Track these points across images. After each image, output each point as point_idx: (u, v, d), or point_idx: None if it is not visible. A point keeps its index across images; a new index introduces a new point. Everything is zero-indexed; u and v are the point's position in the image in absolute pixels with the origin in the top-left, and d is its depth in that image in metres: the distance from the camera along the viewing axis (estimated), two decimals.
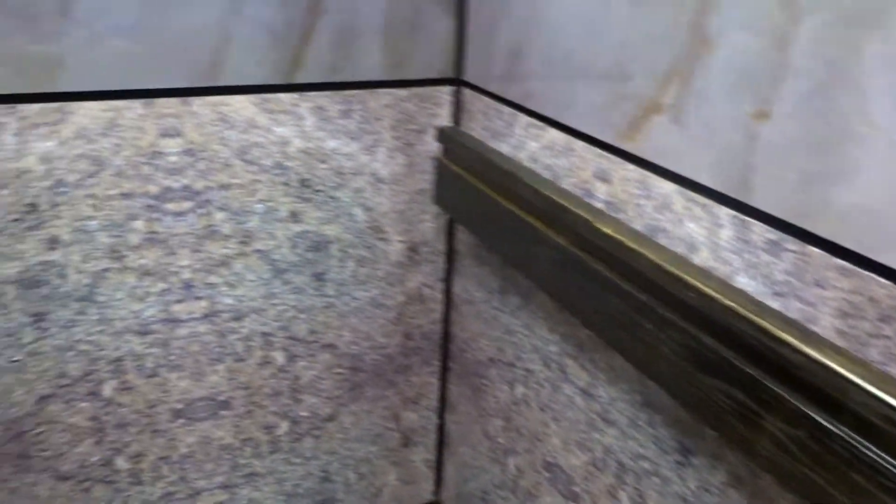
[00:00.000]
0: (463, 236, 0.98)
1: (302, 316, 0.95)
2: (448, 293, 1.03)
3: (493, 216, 0.81)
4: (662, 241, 0.62)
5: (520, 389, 0.90)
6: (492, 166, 0.81)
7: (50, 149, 0.77)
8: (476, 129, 0.89)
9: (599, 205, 0.69)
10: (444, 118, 0.93)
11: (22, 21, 0.71)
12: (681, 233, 0.60)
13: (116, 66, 0.76)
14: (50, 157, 0.77)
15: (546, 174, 0.77)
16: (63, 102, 0.76)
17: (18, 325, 0.81)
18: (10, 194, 0.77)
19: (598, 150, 0.69)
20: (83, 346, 0.85)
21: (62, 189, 0.78)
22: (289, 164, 0.87)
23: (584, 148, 0.71)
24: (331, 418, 1.02)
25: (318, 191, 0.90)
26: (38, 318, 0.82)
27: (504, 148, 0.84)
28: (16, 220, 0.78)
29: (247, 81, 0.82)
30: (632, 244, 0.62)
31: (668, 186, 0.61)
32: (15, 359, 0.82)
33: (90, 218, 0.80)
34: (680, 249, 0.60)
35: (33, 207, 0.78)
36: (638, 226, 0.65)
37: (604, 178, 0.68)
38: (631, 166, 0.65)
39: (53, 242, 0.80)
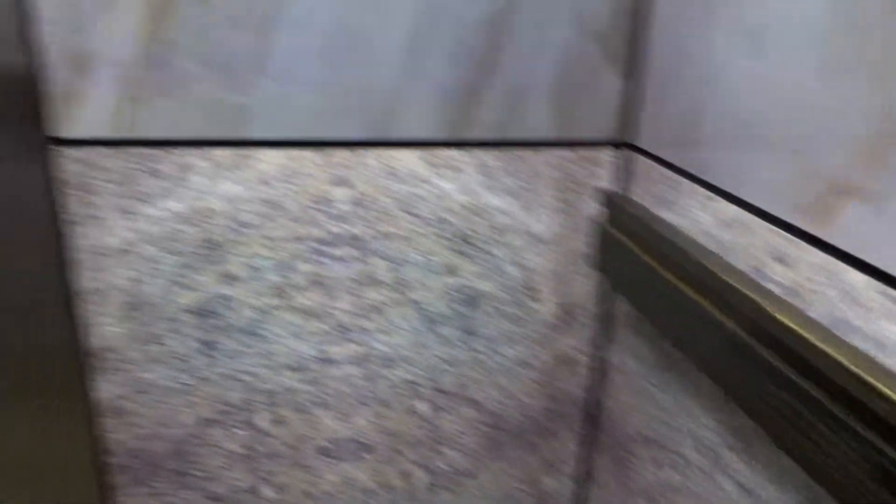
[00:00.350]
0: (621, 304, 0.94)
1: (450, 369, 0.95)
2: (599, 360, 1.00)
3: (655, 287, 0.77)
4: (848, 336, 0.56)
5: (669, 473, 0.84)
6: (656, 236, 0.78)
7: (234, 191, 0.83)
8: (641, 195, 0.86)
9: (775, 288, 0.64)
10: (607, 181, 0.91)
11: (222, 74, 0.78)
12: (871, 330, 0.54)
13: (298, 117, 0.82)
14: (233, 199, 0.83)
15: (716, 249, 0.72)
16: (249, 149, 0.82)
17: (191, 351, 0.88)
18: (196, 231, 0.83)
19: (777, 229, 0.64)
20: (245, 377, 0.90)
21: (241, 229, 0.84)
22: (450, 218, 0.89)
23: (761, 225, 0.66)
24: (469, 474, 1.01)
25: (475, 246, 0.90)
26: (208, 346, 0.88)
27: (671, 217, 0.80)
28: (198, 254, 0.84)
29: (416, 136, 0.85)
30: (810, 336, 0.56)
31: (859, 277, 0.55)
32: (186, 382, 0.89)
33: (263, 258, 0.86)
34: (869, 349, 0.54)
35: (214, 244, 0.84)
36: (819, 316, 0.59)
37: (781, 259, 0.63)
38: (814, 250, 0.59)
39: (228, 277, 0.86)
